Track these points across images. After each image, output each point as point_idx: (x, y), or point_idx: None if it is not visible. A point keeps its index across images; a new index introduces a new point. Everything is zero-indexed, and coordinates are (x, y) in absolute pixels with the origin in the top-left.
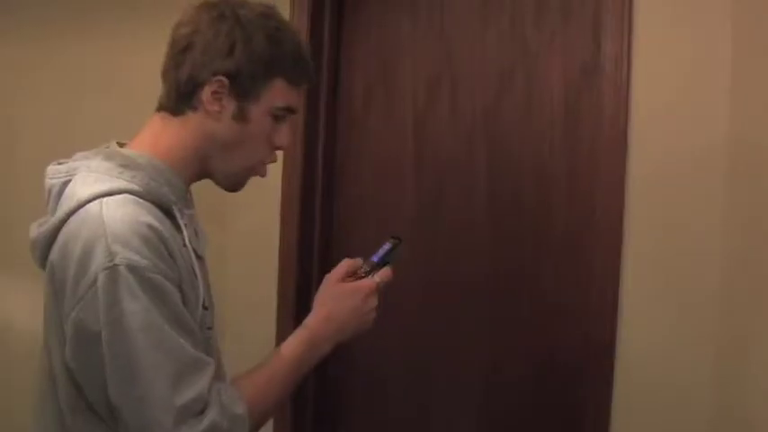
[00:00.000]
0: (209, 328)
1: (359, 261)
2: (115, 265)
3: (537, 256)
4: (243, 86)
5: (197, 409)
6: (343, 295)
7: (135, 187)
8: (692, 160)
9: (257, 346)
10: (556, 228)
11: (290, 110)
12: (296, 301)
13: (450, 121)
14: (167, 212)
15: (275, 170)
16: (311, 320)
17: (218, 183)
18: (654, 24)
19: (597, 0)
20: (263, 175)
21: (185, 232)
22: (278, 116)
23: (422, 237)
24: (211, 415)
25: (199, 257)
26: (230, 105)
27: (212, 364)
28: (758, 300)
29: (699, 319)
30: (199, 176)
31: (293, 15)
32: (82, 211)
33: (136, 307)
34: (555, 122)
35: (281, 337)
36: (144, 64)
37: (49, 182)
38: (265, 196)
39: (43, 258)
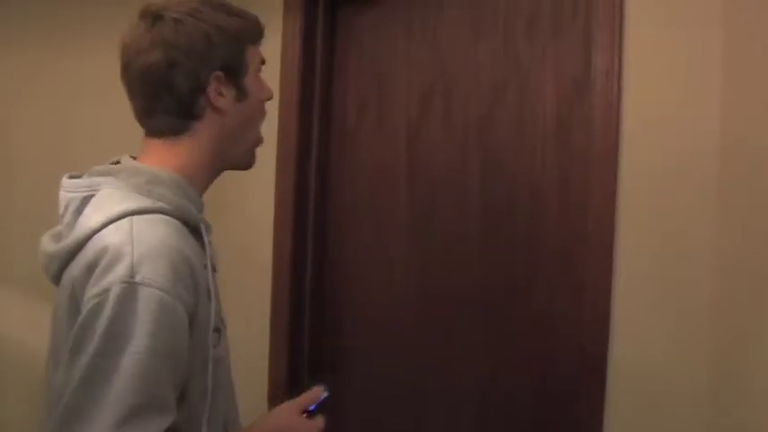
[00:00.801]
0: (214, 347)
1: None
2: (135, 282)
3: (529, 267)
4: (233, 68)
5: None
6: (297, 428)
7: (164, 206)
8: (683, 172)
9: (251, 355)
10: (548, 239)
11: (263, 62)
12: (289, 312)
13: (444, 133)
14: (193, 229)
15: (268, 179)
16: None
17: (235, 168)
18: (644, 38)
19: (588, 14)
20: (261, 141)
21: (208, 251)
22: (258, 73)
23: (415, 248)
24: None
25: (214, 271)
26: (230, 92)
27: (173, 414)
28: (752, 308)
29: (692, 329)
30: (211, 182)
31: (286, 26)
32: (111, 227)
33: (141, 329)
34: (547, 135)
35: (274, 346)
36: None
37: (66, 195)
38: (258, 206)
39: (59, 273)
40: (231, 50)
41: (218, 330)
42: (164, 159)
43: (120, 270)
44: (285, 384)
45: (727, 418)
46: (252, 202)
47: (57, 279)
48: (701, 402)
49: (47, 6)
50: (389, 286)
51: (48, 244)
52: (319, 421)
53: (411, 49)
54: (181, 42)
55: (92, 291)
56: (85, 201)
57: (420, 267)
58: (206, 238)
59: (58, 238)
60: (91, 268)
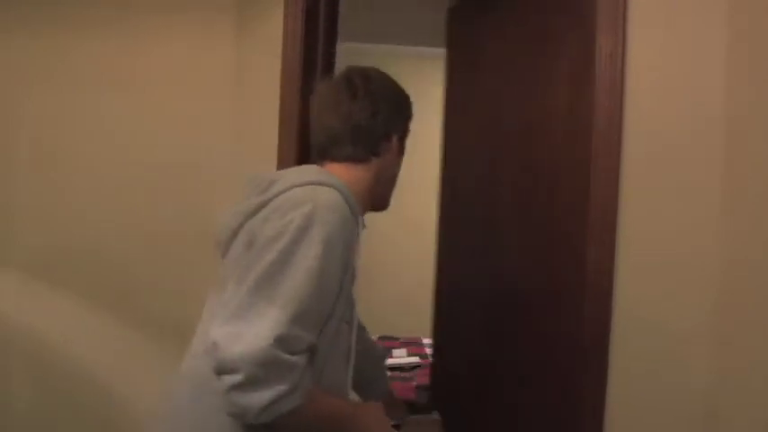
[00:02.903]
0: (347, 323)
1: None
2: (314, 218)
3: (541, 250)
4: (404, 131)
5: (294, 347)
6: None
7: (341, 188)
8: (686, 151)
9: None
10: (556, 218)
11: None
12: None
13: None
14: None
15: (270, 159)
16: (366, 420)
17: (375, 209)
18: (648, 20)
19: None
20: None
21: (360, 241)
22: None
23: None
24: (298, 361)
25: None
26: (396, 145)
27: (316, 337)
28: (756, 274)
29: (696, 293)
30: (365, 212)
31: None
32: (297, 189)
33: (312, 252)
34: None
35: None
36: (145, 63)
37: (253, 181)
38: None
39: (240, 227)
40: (408, 115)
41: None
42: (348, 179)
43: (303, 209)
44: None
45: (730, 392)
46: None
47: (234, 235)
48: (703, 369)
49: None
50: None
51: (231, 208)
52: None
53: None
54: (387, 98)
55: (272, 224)
56: (271, 183)
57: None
58: (360, 230)
59: (241, 204)
60: (274, 211)
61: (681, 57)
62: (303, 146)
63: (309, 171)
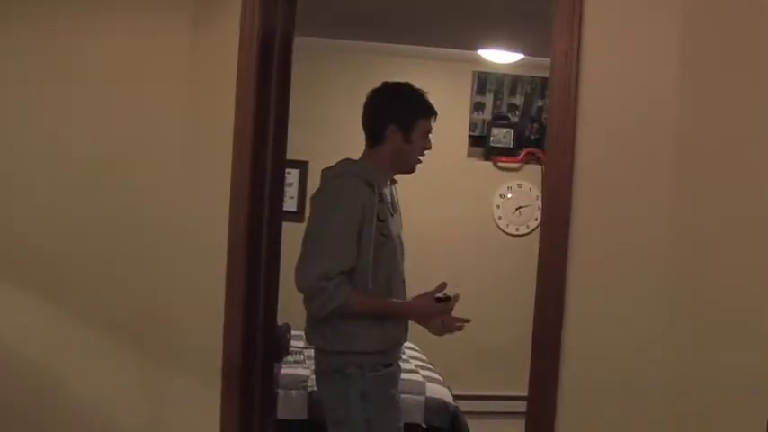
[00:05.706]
0: (381, 244)
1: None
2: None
3: None
4: (404, 126)
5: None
6: (430, 309)
7: (358, 173)
8: (638, 147)
9: (205, 332)
10: None
11: (429, 131)
12: (244, 293)
13: None
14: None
15: (224, 158)
16: (408, 305)
17: (401, 173)
18: (603, 21)
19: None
20: (419, 162)
21: (376, 197)
22: (425, 134)
23: None
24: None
25: (392, 214)
26: (398, 135)
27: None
28: (701, 261)
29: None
30: (390, 175)
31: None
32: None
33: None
34: None
35: (228, 322)
36: (93, 51)
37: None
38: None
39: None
40: (405, 117)
41: (384, 236)
42: (369, 157)
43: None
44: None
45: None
46: (206, 186)
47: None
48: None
49: None
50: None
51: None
52: (448, 306)
53: None
54: (381, 103)
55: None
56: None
57: None
58: (376, 190)
59: None
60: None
61: (634, 57)
62: (257, 137)
63: (348, 161)
